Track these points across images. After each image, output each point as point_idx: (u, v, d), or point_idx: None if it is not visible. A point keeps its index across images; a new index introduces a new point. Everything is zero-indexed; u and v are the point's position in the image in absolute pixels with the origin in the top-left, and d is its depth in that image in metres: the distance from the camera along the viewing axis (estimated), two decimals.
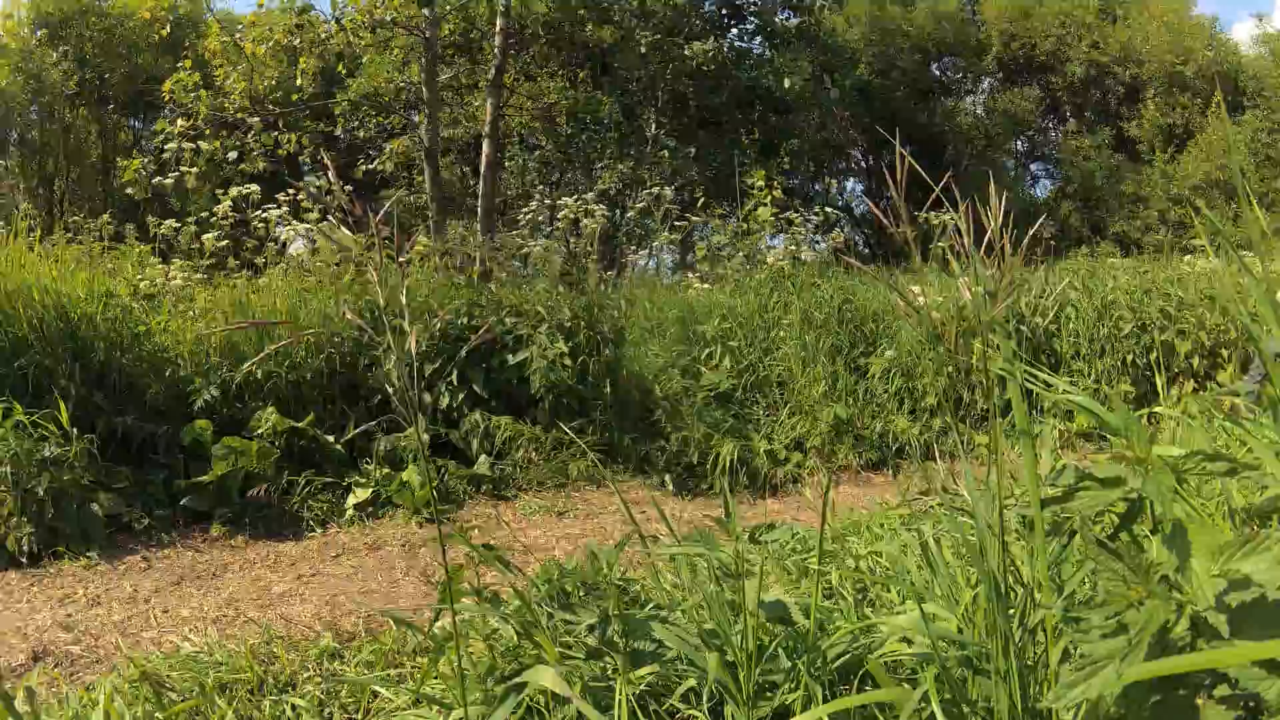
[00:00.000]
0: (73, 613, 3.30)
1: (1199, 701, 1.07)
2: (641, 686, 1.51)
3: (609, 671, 1.46)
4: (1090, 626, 1.12)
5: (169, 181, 6.96)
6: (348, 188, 5.13)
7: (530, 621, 1.41)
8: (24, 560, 3.75)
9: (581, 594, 1.52)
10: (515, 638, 1.50)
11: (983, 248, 1.32)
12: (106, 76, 22.82)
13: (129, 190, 10.16)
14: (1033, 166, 29.71)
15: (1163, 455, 1.22)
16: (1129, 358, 6.56)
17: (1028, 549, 1.41)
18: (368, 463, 4.81)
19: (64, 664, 2.86)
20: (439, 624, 1.68)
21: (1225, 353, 6.41)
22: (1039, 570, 1.22)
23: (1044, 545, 1.18)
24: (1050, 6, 26.70)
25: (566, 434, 4.93)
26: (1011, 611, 1.39)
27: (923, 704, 1.35)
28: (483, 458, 4.97)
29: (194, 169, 7.29)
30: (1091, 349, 6.61)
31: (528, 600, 1.45)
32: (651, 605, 1.81)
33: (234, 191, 6.06)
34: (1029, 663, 1.36)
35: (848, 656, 1.54)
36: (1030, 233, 1.42)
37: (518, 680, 1.23)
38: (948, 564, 1.83)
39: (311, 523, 4.41)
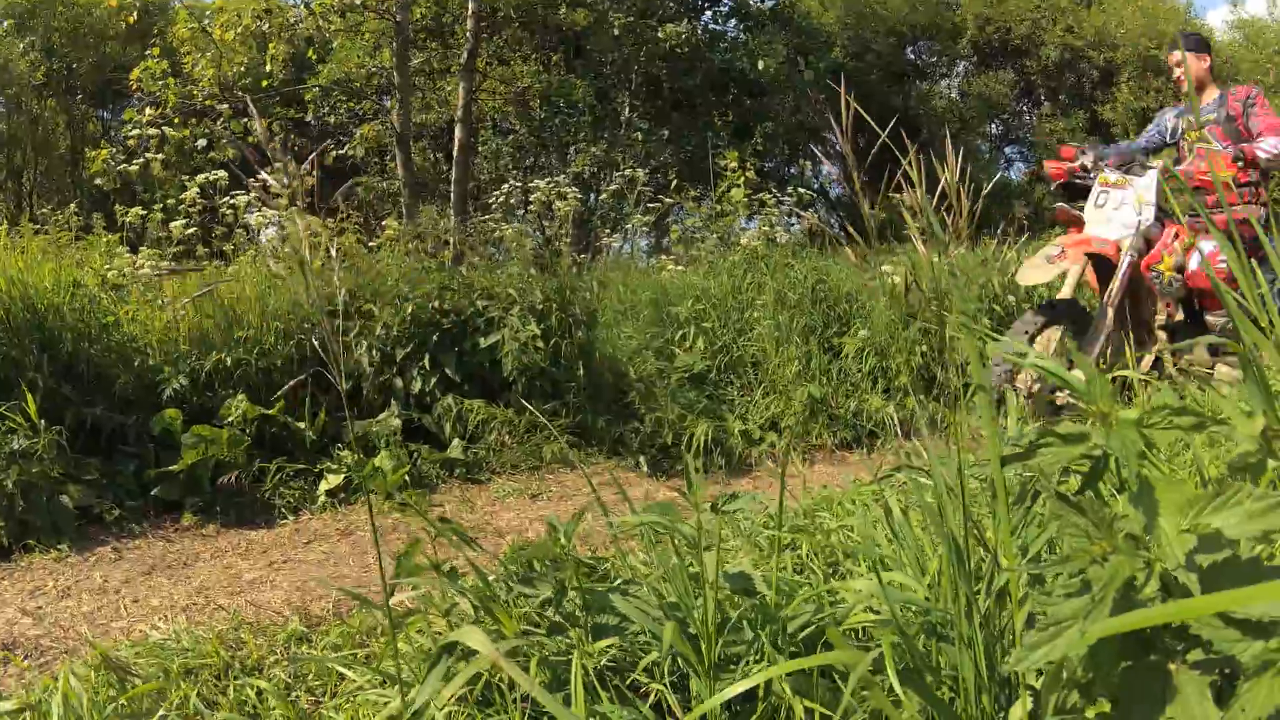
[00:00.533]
0: (43, 604, 3.27)
1: (1171, 667, 1.04)
2: (605, 660, 1.50)
3: (571, 646, 1.45)
4: (1054, 587, 1.10)
5: (134, 168, 6.88)
6: (314, 171, 5.06)
7: (489, 596, 1.40)
8: None
9: (546, 568, 1.51)
10: (474, 613, 1.49)
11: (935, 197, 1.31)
12: (74, 66, 22.54)
13: (98, 181, 10.06)
14: (1007, 149, 29.80)
15: (1128, 411, 1.20)
16: None
17: (990, 510, 1.40)
18: (340, 449, 4.78)
19: (33, 655, 2.84)
20: (394, 599, 1.67)
21: None
22: (1001, 530, 1.21)
23: (1006, 502, 1.16)
24: None
25: (539, 417, 4.92)
26: (979, 581, 1.38)
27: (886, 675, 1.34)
28: (456, 441, 4.95)
29: (160, 155, 7.20)
30: None
31: (484, 574, 1.44)
32: (619, 581, 1.80)
33: (200, 178, 5.99)
34: (996, 628, 1.35)
35: (812, 628, 1.53)
36: (985, 190, 1.41)
37: (447, 641, 1.22)
38: (915, 533, 1.83)
39: (284, 510, 4.38)
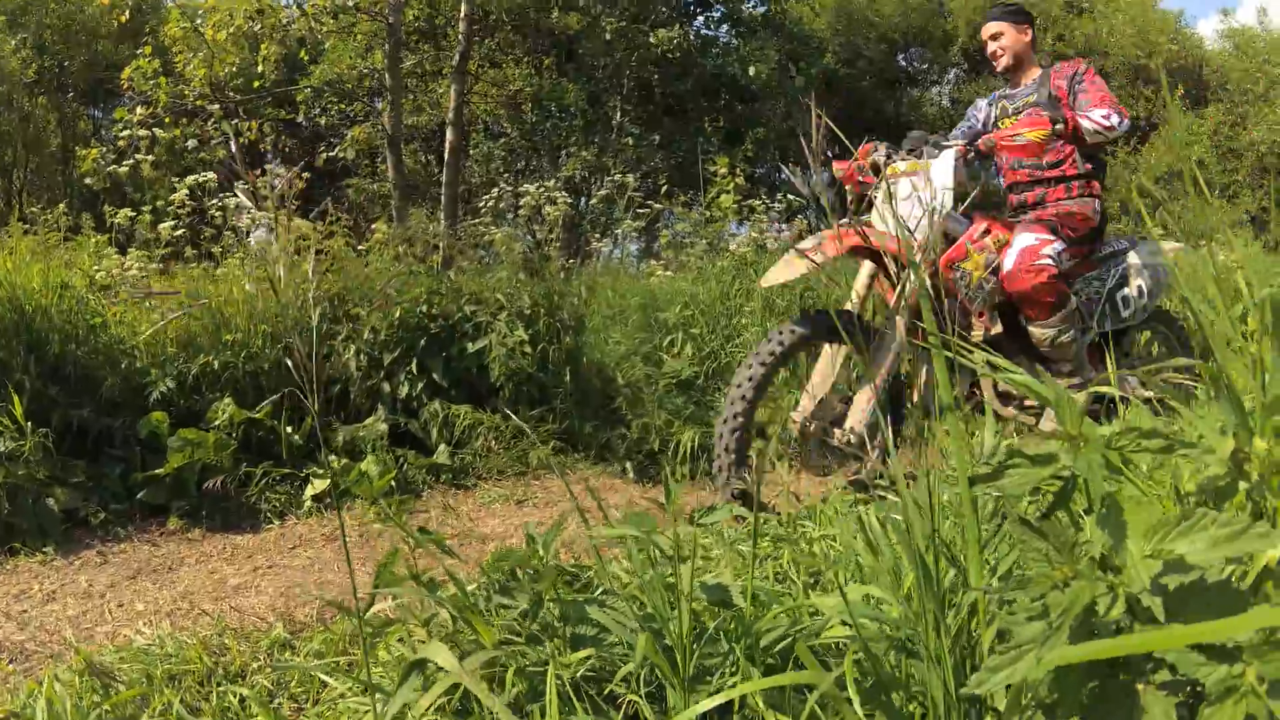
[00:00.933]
0: (28, 608, 3.27)
1: (1139, 687, 1.05)
2: (583, 670, 1.51)
3: (549, 656, 1.47)
4: (1019, 607, 1.11)
5: (124, 170, 6.88)
6: (301, 175, 5.10)
7: (466, 605, 1.41)
8: None
9: (526, 578, 1.52)
10: (453, 623, 1.51)
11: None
12: (66, 64, 22.50)
13: (88, 180, 10.05)
14: None
15: (1097, 431, 1.21)
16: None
17: (961, 527, 1.41)
18: (327, 453, 4.78)
19: (18, 659, 2.84)
20: (376, 608, 1.68)
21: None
22: (970, 550, 1.22)
23: (974, 523, 1.17)
24: None
25: (526, 423, 4.93)
26: (953, 594, 1.39)
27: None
28: (442, 447, 4.96)
29: (150, 157, 7.20)
30: None
31: (462, 585, 1.46)
32: (600, 589, 1.82)
33: (190, 180, 5.99)
34: (966, 645, 1.36)
35: (788, 640, 1.55)
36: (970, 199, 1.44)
37: (416, 659, 1.24)
38: (893, 545, 1.84)
39: (269, 514, 4.38)
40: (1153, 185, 22.82)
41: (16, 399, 4.17)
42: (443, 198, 10.64)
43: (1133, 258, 4.43)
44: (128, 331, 5.09)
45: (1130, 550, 1.03)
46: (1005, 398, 4.33)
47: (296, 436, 4.77)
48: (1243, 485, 1.12)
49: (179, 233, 5.94)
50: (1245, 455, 1.15)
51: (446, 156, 10.89)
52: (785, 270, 4.01)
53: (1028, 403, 4.26)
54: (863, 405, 3.87)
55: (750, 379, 3.82)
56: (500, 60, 17.13)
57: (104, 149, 10.27)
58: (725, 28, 18.64)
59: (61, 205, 7.08)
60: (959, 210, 4.14)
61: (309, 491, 4.47)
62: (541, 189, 6.82)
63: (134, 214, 6.08)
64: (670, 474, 5.01)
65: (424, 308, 5.34)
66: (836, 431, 3.89)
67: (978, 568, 1.23)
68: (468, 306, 5.43)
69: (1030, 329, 4.17)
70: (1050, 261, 4.01)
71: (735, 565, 2.42)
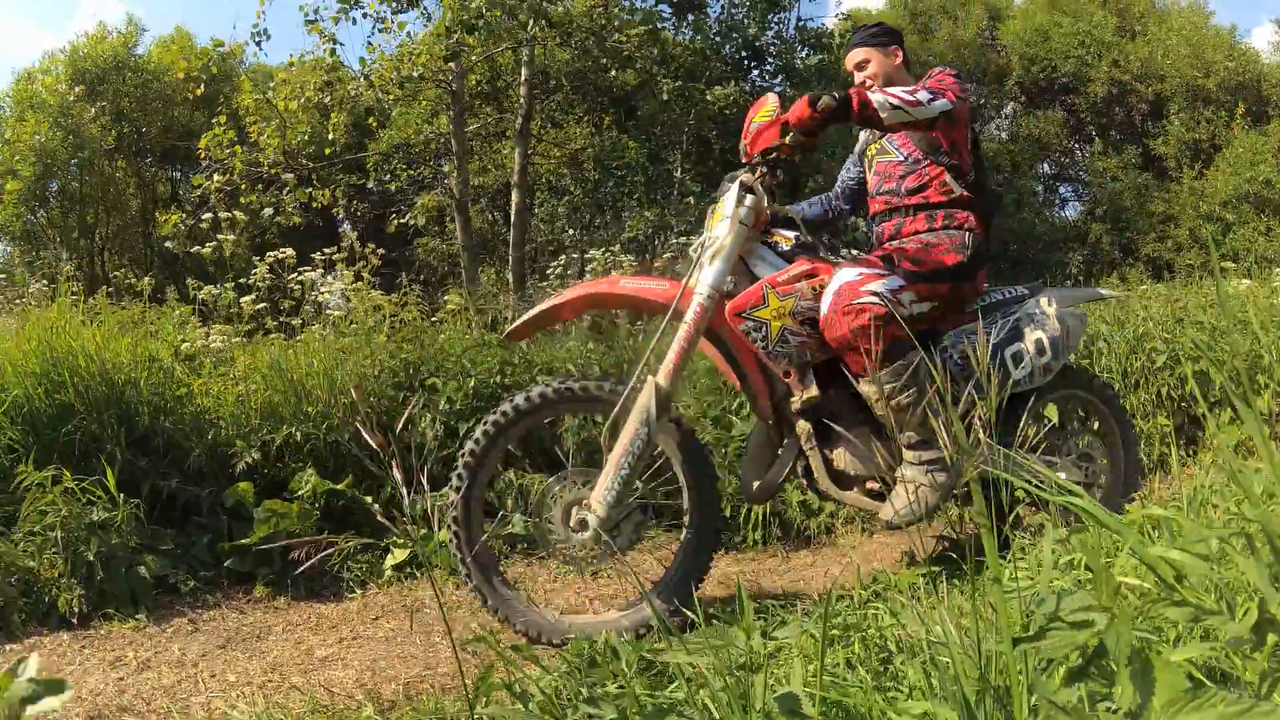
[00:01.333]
0: (124, 676, 3.38)
1: None
2: None
3: None
4: None
5: (208, 251, 7.17)
6: (380, 251, 5.29)
7: (558, 719, 1.50)
8: (74, 621, 3.85)
9: (611, 686, 1.61)
10: None
11: None
12: (144, 130, 23.38)
13: (168, 244, 10.47)
14: (1061, 189, 29.46)
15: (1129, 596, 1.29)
16: (1164, 390, 6.49)
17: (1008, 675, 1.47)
18: (407, 522, 4.89)
19: None
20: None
21: (1262, 379, 6.22)
22: (1015, 700, 1.30)
23: (1019, 679, 1.25)
24: (1068, 27, 26.62)
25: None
26: None
27: None
28: (517, 516, 5.05)
29: (231, 237, 7.50)
30: (1126, 383, 6.56)
31: (553, 698, 1.54)
32: (674, 685, 1.89)
33: (270, 257, 6.23)
34: None
35: None
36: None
37: None
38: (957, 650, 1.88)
39: (351, 583, 4.49)
40: (1219, 211, 22.29)
41: (109, 470, 4.34)
42: (510, 260, 10.86)
43: (1031, 307, 3.77)
44: (213, 402, 5.27)
45: (1155, 708, 1.13)
46: (842, 479, 3.61)
47: (376, 505, 4.89)
48: (1272, 638, 1.19)
49: (259, 305, 6.16)
50: (1271, 616, 1.23)
51: (513, 217, 11.12)
52: (519, 323, 3.71)
53: (870, 485, 3.60)
54: (604, 481, 3.34)
55: (472, 451, 3.55)
56: (561, 120, 17.41)
57: (183, 215, 10.70)
58: (780, 78, 18.75)
59: (147, 278, 7.37)
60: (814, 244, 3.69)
61: (389, 561, 4.58)
62: (607, 253, 6.97)
63: (217, 290, 6.33)
64: (743, 540, 5.06)
65: (497, 378, 5.47)
66: (574, 510, 3.43)
67: (1023, 713, 1.30)
68: (539, 376, 5.55)
69: (860, 387, 3.41)
70: (874, 300, 3.25)
71: (809, 647, 2.46)
